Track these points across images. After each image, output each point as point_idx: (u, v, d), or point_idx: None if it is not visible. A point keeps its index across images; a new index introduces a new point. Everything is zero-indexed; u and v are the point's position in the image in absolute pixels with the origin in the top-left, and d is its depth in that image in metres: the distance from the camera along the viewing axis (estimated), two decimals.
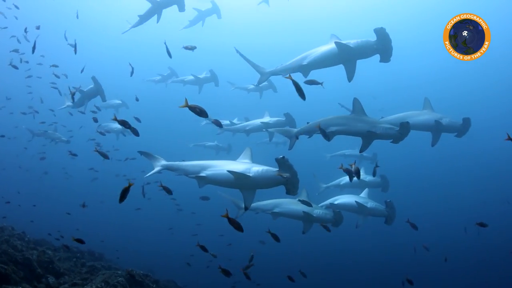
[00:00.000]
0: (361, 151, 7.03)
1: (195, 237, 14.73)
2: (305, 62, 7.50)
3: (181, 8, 10.08)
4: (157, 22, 10.17)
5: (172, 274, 13.40)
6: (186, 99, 4.71)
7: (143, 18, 10.22)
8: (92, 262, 10.18)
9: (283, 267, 15.21)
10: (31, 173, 22.55)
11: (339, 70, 7.64)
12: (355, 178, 6.66)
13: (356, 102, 6.83)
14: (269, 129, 10.26)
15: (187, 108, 4.77)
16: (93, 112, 11.09)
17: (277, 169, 5.62)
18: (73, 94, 9.17)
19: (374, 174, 8.48)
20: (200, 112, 4.82)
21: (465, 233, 13.77)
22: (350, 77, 7.32)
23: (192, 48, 7.37)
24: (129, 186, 4.60)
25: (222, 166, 6.09)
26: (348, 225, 8.25)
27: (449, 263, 12.73)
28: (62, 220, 14.72)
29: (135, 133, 6.34)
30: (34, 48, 9.46)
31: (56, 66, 11.28)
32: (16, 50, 12.56)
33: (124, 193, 4.69)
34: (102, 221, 20.04)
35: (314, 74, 7.80)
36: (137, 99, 11.72)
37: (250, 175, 5.73)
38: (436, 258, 12.03)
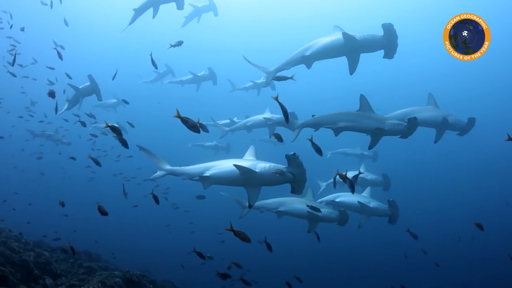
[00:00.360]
0: (369, 147, 6.99)
1: (192, 234, 14.70)
2: (308, 53, 7.34)
3: (180, 6, 9.91)
4: (153, 17, 10.03)
5: (169, 272, 13.36)
6: (177, 110, 4.47)
7: (138, 12, 10.09)
8: (89, 263, 10.13)
9: (281, 264, 15.20)
10: (28, 173, 22.43)
11: (337, 69, 7.54)
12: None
13: (363, 98, 6.77)
14: (272, 122, 10.11)
15: (180, 117, 4.53)
16: (88, 115, 10.99)
17: (285, 166, 5.57)
18: (51, 94, 8.77)
19: (355, 181, 8.30)
20: (191, 126, 4.62)
21: (459, 241, 13.71)
22: (352, 69, 7.18)
23: (179, 44, 7.15)
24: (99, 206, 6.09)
25: (227, 164, 6.01)
26: (350, 223, 8.16)
27: (448, 262, 12.70)
28: (59, 220, 14.63)
29: (124, 144, 5.97)
30: (14, 61, 9.37)
31: (52, 68, 11.17)
32: (12, 51, 12.44)
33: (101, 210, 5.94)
34: (99, 221, 19.93)
35: (312, 71, 7.71)
36: (126, 102, 11.61)
37: (257, 170, 5.68)
38: (436, 257, 12.01)
